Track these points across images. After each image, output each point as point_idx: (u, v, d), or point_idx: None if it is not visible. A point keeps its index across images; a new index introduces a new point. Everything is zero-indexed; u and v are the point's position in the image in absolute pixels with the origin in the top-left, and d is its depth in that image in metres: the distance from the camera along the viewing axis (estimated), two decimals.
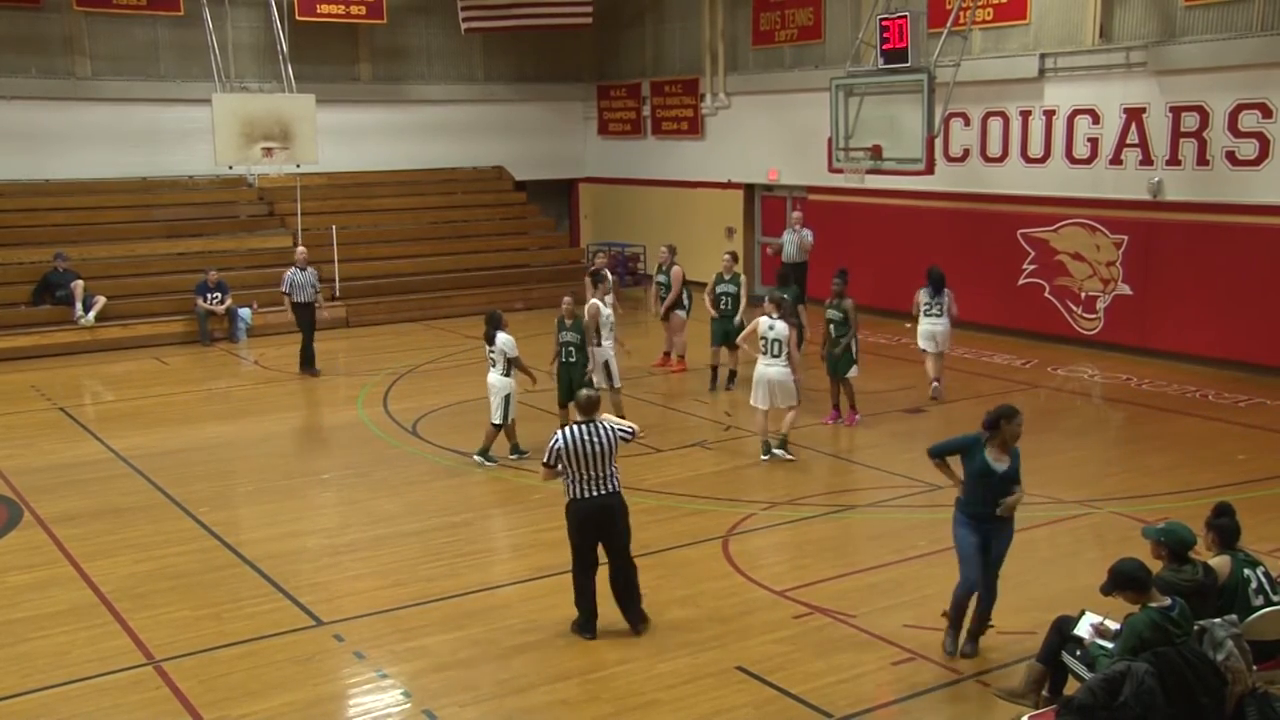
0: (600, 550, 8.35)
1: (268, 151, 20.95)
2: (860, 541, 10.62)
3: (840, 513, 11.22)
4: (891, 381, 16.12)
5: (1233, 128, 16.14)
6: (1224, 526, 7.06)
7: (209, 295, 20.35)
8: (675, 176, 25.72)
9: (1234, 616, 6.49)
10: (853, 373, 14.03)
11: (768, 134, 23.38)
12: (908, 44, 16.22)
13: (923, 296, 15.30)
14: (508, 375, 12.47)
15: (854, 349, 13.95)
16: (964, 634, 7.86)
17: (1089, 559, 9.75)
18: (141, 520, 11.07)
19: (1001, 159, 19.21)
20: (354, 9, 23.85)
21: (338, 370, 18.07)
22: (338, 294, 22.17)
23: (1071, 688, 6.76)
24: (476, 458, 12.67)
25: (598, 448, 8.10)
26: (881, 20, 16.61)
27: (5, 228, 21.41)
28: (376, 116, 25.42)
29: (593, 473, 8.13)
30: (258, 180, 24.07)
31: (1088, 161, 17.97)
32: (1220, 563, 6.94)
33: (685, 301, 16.95)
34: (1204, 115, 16.44)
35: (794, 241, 19.02)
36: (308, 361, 17.63)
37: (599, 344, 13.49)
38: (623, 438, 8.29)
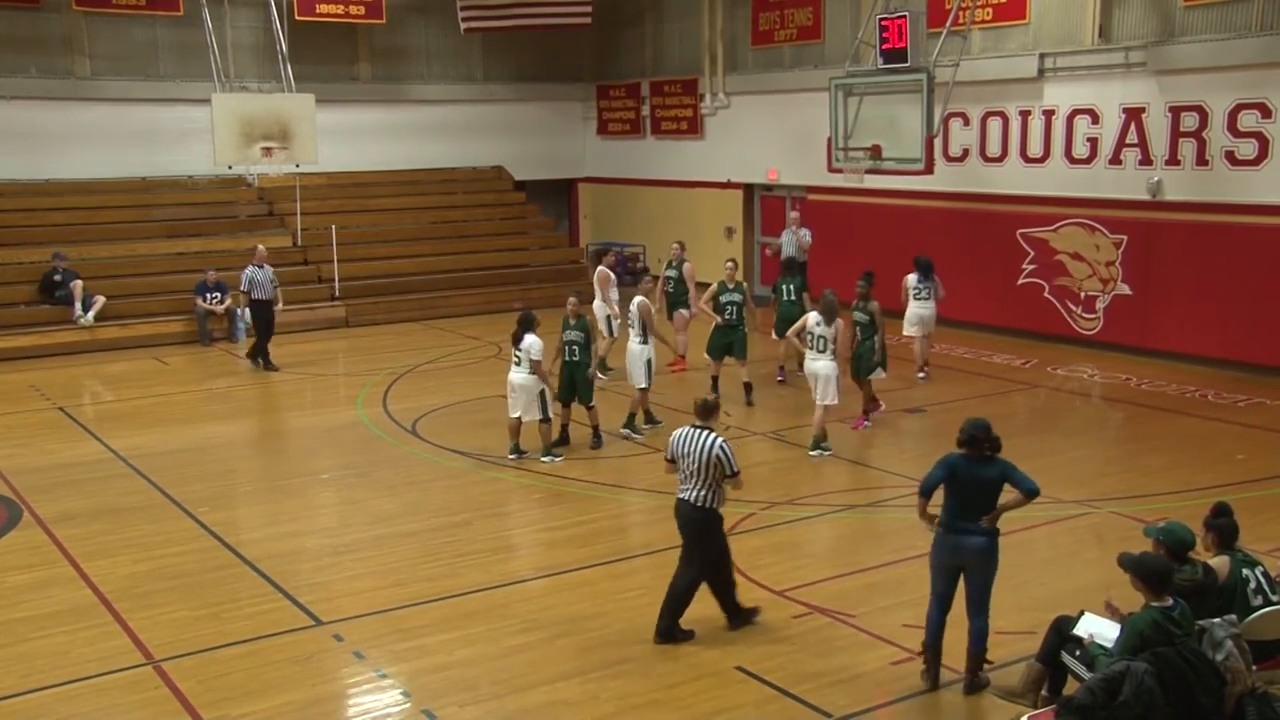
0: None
1: (267, 151, 20.97)
2: (860, 541, 10.62)
3: (840, 513, 11.22)
4: (891, 381, 16.08)
5: (1232, 128, 16.14)
6: (1223, 526, 7.06)
7: (208, 295, 20.35)
8: (675, 176, 25.73)
9: (1233, 616, 6.49)
10: (878, 374, 14.00)
11: (767, 134, 23.38)
12: (907, 44, 16.23)
13: (912, 280, 15.43)
14: (533, 373, 12.44)
15: (881, 350, 13.91)
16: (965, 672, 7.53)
17: (1089, 559, 9.78)
18: (141, 520, 11.07)
19: (1001, 159, 19.22)
20: (353, 9, 23.84)
21: (337, 370, 18.08)
22: (337, 294, 22.18)
23: (1071, 687, 6.76)
24: (544, 459, 12.67)
25: (693, 456, 8.12)
26: (881, 20, 16.62)
27: (5, 228, 21.41)
28: (376, 116, 25.42)
29: (685, 475, 8.23)
30: (257, 180, 24.08)
31: (1087, 161, 17.98)
32: (1219, 563, 6.94)
33: (689, 299, 16.89)
34: (1203, 115, 16.45)
35: (792, 241, 19.02)
36: (261, 354, 17.85)
37: (644, 341, 13.60)
38: (722, 468, 8.10)
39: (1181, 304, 16.98)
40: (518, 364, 12.48)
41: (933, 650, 7.49)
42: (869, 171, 17.71)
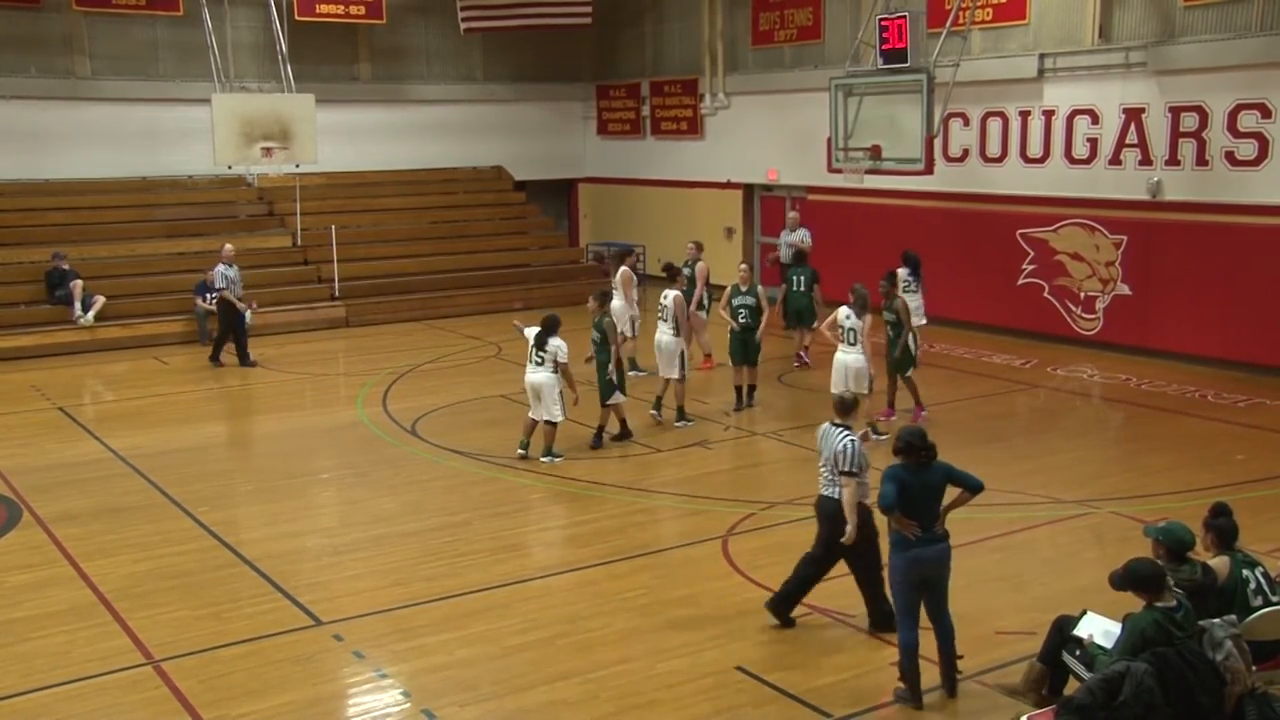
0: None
1: (267, 151, 20.97)
2: None
3: None
4: (882, 381, 16.09)
5: (1232, 128, 16.14)
6: (1222, 527, 7.05)
7: (208, 295, 20.31)
8: (675, 176, 25.72)
9: (1233, 617, 6.49)
10: (911, 371, 14.00)
11: (767, 134, 23.38)
12: (907, 44, 16.22)
13: (903, 274, 15.47)
14: (555, 373, 12.45)
15: (912, 347, 13.92)
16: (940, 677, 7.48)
17: (1089, 559, 9.77)
18: (141, 520, 11.07)
19: (1001, 159, 19.22)
20: (353, 9, 23.85)
21: (337, 370, 18.08)
22: (337, 294, 22.17)
23: (1071, 687, 6.76)
24: (544, 459, 12.63)
25: (827, 451, 8.12)
26: (881, 20, 16.61)
27: (5, 228, 21.40)
28: (376, 116, 25.42)
29: (822, 467, 8.23)
30: (257, 180, 24.08)
31: (1087, 161, 17.98)
32: (1219, 563, 6.94)
33: (705, 302, 16.71)
34: (1203, 115, 16.45)
35: (791, 242, 19.03)
36: (222, 351, 18.02)
37: (677, 334, 13.99)
38: (842, 460, 7.96)
39: (1181, 304, 16.98)
40: (539, 364, 12.46)
41: (914, 672, 7.30)
42: (869, 172, 17.68)
